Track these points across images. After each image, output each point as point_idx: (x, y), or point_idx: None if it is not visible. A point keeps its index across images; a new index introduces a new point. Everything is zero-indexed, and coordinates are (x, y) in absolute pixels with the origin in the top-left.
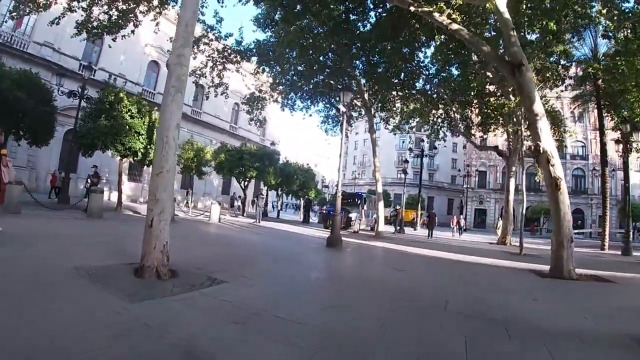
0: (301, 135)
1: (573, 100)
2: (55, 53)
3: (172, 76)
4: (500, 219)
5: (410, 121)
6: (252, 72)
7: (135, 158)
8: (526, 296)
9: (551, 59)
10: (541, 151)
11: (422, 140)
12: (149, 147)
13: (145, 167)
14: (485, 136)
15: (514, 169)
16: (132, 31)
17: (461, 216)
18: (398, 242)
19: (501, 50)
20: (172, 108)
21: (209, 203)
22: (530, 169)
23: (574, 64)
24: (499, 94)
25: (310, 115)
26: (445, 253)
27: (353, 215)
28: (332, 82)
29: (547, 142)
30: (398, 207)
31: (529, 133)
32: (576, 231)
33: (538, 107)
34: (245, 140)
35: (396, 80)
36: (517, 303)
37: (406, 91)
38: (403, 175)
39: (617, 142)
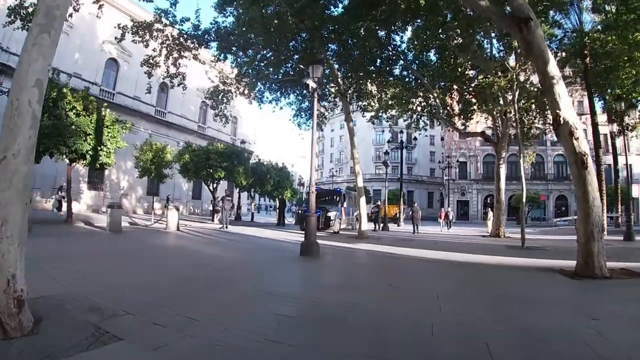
0: (276, 137)
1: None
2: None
3: (40, 10)
4: (489, 210)
5: (389, 111)
6: (212, 60)
7: (82, 161)
8: (577, 314)
9: None
10: (561, 122)
11: (402, 132)
12: (98, 148)
13: (107, 172)
14: (467, 124)
15: (503, 154)
16: (70, 15)
17: (449, 209)
18: (383, 242)
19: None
20: (32, 55)
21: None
22: (511, 157)
23: (556, 45)
24: (482, 76)
25: (281, 108)
26: (441, 252)
27: (332, 214)
28: (302, 67)
29: (568, 111)
30: (379, 203)
31: (514, 116)
32: (563, 219)
33: (553, 69)
34: (214, 140)
35: (372, 67)
36: (579, 330)
37: (383, 78)
38: (382, 170)
39: (610, 121)
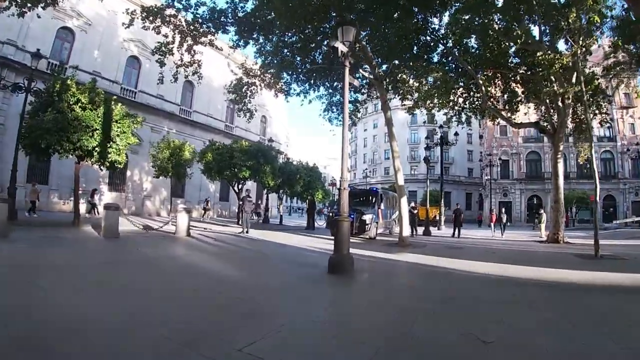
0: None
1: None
2: (19, 51)
3: None
4: (543, 211)
5: (428, 102)
6: (230, 47)
7: (89, 159)
8: None
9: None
10: None
11: (441, 126)
12: (107, 145)
13: (129, 173)
14: (513, 117)
15: (561, 147)
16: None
17: (502, 210)
18: (429, 250)
19: None
20: None
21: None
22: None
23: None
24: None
25: (310, 101)
26: (504, 266)
27: (367, 217)
28: (332, 57)
29: None
30: (414, 204)
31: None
32: (627, 220)
33: None
34: (241, 139)
35: (408, 55)
36: None
37: (421, 65)
38: (417, 171)
39: None
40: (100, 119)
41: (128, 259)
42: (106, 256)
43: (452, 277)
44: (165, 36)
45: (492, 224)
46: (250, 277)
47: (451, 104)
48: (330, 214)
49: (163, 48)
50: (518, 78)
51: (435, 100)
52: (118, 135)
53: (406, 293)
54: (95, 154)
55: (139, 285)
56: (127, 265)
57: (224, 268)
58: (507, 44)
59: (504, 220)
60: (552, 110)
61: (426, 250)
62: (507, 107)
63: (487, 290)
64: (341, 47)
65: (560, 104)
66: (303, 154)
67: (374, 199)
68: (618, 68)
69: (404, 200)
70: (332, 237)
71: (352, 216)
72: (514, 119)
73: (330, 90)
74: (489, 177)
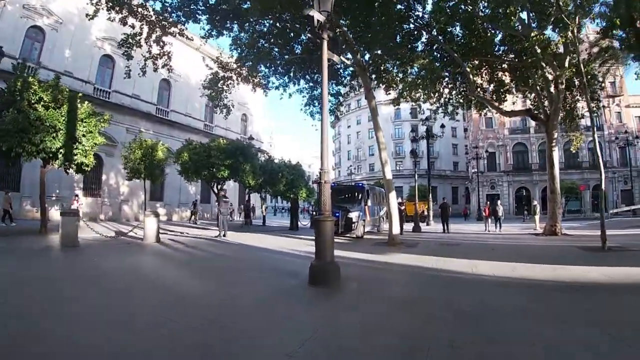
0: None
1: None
2: None
3: None
4: (536, 203)
5: (413, 93)
6: (202, 37)
7: (54, 161)
8: None
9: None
10: None
11: (428, 119)
12: (73, 146)
13: (104, 176)
14: (502, 106)
15: (555, 135)
16: None
17: (498, 202)
18: (423, 249)
19: None
20: None
21: (187, 214)
22: (540, 145)
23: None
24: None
25: (290, 95)
26: (512, 264)
27: (354, 215)
28: (313, 47)
29: None
30: (401, 200)
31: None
32: (624, 209)
33: None
34: (220, 138)
35: (391, 44)
36: None
37: (405, 55)
38: (403, 166)
39: None
40: (64, 118)
41: (74, 274)
42: (49, 270)
43: (456, 282)
44: (132, 27)
45: (487, 218)
46: (216, 293)
47: (437, 95)
48: (314, 213)
49: (130, 40)
50: (505, 66)
51: (420, 92)
52: (84, 136)
53: (407, 310)
54: (60, 156)
55: (66, 307)
56: (67, 281)
57: (188, 281)
58: (494, 31)
59: (500, 213)
60: (543, 98)
61: (420, 250)
62: (494, 97)
63: (503, 298)
64: (317, 16)
65: (552, 90)
66: (287, 152)
67: (360, 195)
68: (606, 55)
69: (392, 196)
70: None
71: (338, 214)
72: (504, 108)
73: (311, 84)
74: (476, 169)
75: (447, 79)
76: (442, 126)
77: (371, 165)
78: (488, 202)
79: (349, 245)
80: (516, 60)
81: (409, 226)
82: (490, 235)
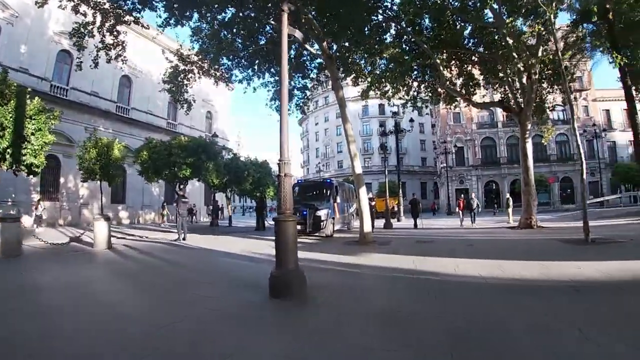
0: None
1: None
2: None
3: None
4: (509, 196)
5: (382, 87)
6: (159, 26)
7: (2, 163)
8: None
9: None
10: None
11: (396, 113)
12: (22, 145)
13: (62, 179)
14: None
15: (529, 126)
16: None
17: (472, 194)
18: (397, 248)
19: None
20: None
21: (151, 217)
22: (510, 139)
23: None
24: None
25: (255, 89)
26: (500, 262)
27: (322, 212)
28: (277, 38)
29: None
30: (371, 195)
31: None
32: (594, 200)
33: None
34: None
35: (358, 39)
36: None
37: (373, 47)
38: (371, 162)
39: None
40: (11, 115)
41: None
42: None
43: (442, 287)
44: (85, 15)
45: (461, 212)
46: (158, 311)
47: (405, 88)
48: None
49: (82, 29)
50: (475, 59)
51: (389, 85)
52: (33, 134)
53: (390, 332)
54: (7, 156)
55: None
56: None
57: (130, 296)
58: (464, 24)
59: (474, 206)
60: (515, 90)
61: (394, 248)
62: (463, 91)
63: (501, 306)
64: None
65: (525, 80)
66: (257, 152)
67: (328, 192)
68: (576, 48)
69: (362, 191)
70: None
71: (305, 213)
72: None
73: (277, 77)
74: (445, 164)
75: (416, 72)
76: (411, 120)
77: (340, 163)
78: (462, 195)
79: (317, 245)
80: (486, 52)
81: (379, 223)
82: (465, 229)
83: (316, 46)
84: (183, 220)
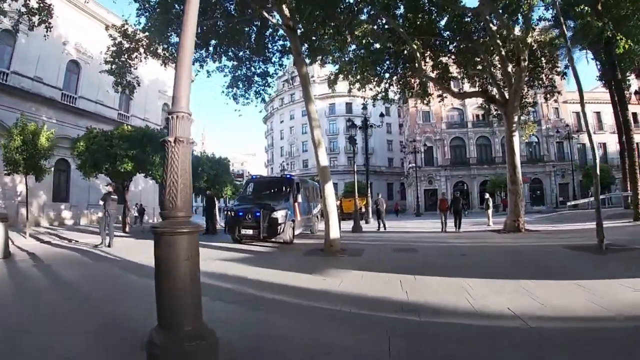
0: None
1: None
2: None
3: None
4: (488, 196)
5: (351, 77)
6: None
7: None
8: None
9: None
10: None
11: (365, 106)
12: None
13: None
14: (445, 95)
15: (515, 118)
16: None
17: (457, 193)
18: (372, 259)
19: None
20: None
21: (98, 217)
22: (480, 139)
23: None
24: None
25: (209, 73)
26: (517, 284)
27: (280, 214)
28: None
29: None
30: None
31: None
32: (580, 201)
33: None
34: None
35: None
36: None
37: (344, 20)
38: (338, 162)
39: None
40: None
41: None
42: None
43: (469, 353)
44: None
45: (443, 215)
46: None
47: (377, 78)
48: (228, 212)
49: None
50: (452, 49)
51: (358, 74)
52: None
53: None
54: None
55: None
56: None
57: None
58: (441, 10)
59: (460, 207)
60: (497, 81)
61: (369, 261)
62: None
63: None
64: None
65: (511, 69)
66: (222, 150)
67: (288, 190)
68: (556, 41)
69: (329, 188)
70: (232, 247)
71: (258, 214)
72: (443, 97)
73: (235, 62)
74: (414, 164)
75: (388, 62)
76: (382, 115)
77: (305, 162)
78: (444, 193)
79: (270, 256)
80: (465, 42)
81: (347, 225)
82: (446, 234)
83: (277, 17)
84: (110, 220)
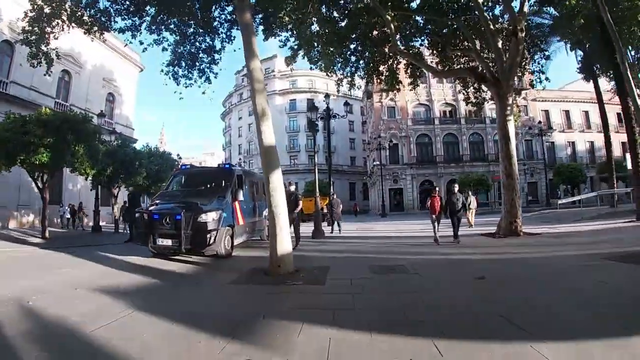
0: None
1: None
2: None
3: None
4: (470, 193)
5: (313, 52)
6: None
7: None
8: None
9: None
10: None
11: (328, 95)
12: None
13: None
14: (417, 82)
15: (510, 100)
16: None
17: (455, 186)
18: (354, 298)
19: None
20: None
21: (29, 220)
22: (447, 137)
23: None
24: None
25: (145, 48)
26: None
27: (210, 216)
28: None
29: None
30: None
31: None
32: (570, 199)
33: None
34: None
35: None
36: None
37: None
38: (298, 160)
39: None
40: None
41: None
42: None
43: None
44: None
45: (435, 217)
46: None
47: (343, 59)
48: (141, 215)
49: None
50: (428, 30)
51: (322, 52)
52: None
53: None
54: None
55: None
56: None
57: None
58: None
59: (459, 207)
60: (485, 59)
61: (337, 294)
62: (408, 71)
63: None
64: None
65: (501, 45)
66: (181, 152)
67: (225, 184)
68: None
69: (276, 178)
70: (148, 261)
71: (179, 217)
72: (415, 84)
73: (178, 37)
74: (379, 162)
75: (355, 44)
76: (346, 104)
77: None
78: (437, 188)
79: (187, 282)
80: (444, 18)
81: (308, 228)
82: (431, 241)
83: None
84: None
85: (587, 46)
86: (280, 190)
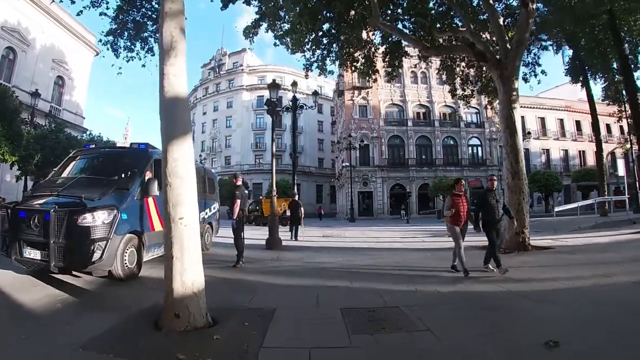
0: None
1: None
2: None
3: None
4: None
5: (280, 24)
6: None
7: None
8: None
9: None
10: None
11: (295, 84)
12: None
13: None
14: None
15: (515, 84)
16: None
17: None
18: None
19: None
20: None
21: None
22: (420, 139)
23: None
24: None
25: (80, 10)
26: None
27: (96, 216)
28: None
29: None
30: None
31: None
32: (567, 207)
33: None
34: None
35: None
36: None
37: None
38: (264, 160)
39: None
40: None
41: None
42: None
43: None
44: None
45: (458, 229)
46: None
47: (314, 39)
48: (5, 210)
49: None
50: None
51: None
52: None
53: None
54: None
55: None
56: None
57: None
58: None
59: (498, 212)
60: (482, 39)
61: None
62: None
63: None
64: None
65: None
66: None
67: (135, 170)
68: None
69: (182, 155)
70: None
71: (48, 217)
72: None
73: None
74: (348, 163)
75: (327, 25)
76: (315, 93)
77: (227, 159)
78: (462, 182)
79: (15, 333)
80: None
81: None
82: (432, 256)
83: None
84: None
85: (580, 43)
86: (189, 181)
